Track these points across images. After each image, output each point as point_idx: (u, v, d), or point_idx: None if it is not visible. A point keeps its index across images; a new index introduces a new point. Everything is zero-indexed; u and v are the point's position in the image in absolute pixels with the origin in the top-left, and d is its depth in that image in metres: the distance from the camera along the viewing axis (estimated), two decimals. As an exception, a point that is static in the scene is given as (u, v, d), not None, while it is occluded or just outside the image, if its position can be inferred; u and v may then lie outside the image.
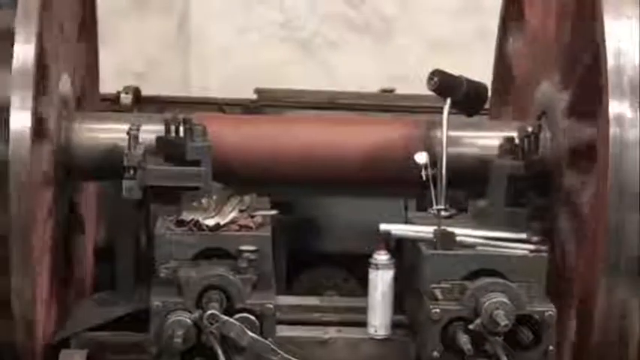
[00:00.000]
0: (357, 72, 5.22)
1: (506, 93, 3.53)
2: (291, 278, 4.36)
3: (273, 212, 2.93)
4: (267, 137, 3.26)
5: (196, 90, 4.96)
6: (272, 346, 2.61)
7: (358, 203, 4.11)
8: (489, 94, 3.34)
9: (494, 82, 3.59)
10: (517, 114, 3.35)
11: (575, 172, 2.87)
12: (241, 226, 2.78)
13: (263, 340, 2.62)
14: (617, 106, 2.55)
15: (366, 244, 2.88)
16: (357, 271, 3.67)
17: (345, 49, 5.38)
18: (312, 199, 4.41)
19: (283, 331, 2.78)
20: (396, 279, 2.82)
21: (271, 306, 2.67)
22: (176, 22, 5.17)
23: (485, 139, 3.16)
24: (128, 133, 2.88)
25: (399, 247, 2.89)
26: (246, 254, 2.67)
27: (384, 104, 4.69)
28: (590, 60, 2.72)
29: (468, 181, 3.02)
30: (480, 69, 3.50)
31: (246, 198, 2.95)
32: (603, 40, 2.58)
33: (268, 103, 4.51)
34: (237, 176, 3.12)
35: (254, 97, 4.52)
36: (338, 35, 5.41)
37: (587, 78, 2.77)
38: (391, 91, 5.00)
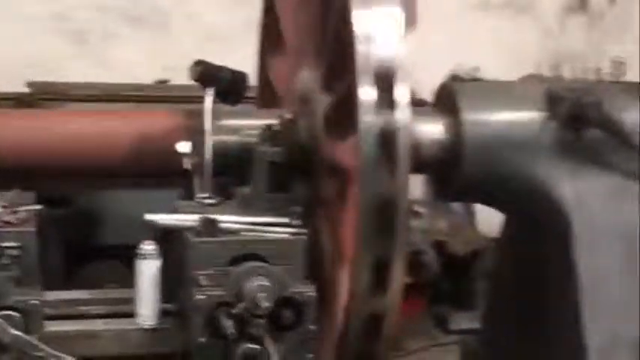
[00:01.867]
0: (133, 63, 5.21)
1: (271, 81, 3.61)
2: (72, 272, 4.31)
3: (39, 207, 2.89)
4: (33, 131, 3.22)
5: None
6: (35, 342, 2.59)
7: (136, 194, 4.11)
8: (254, 82, 3.42)
9: (259, 69, 3.66)
10: (281, 102, 3.43)
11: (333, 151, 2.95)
12: (4, 223, 2.74)
13: (25, 336, 2.59)
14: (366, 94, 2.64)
15: (143, 236, 2.90)
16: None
17: (121, 40, 5.36)
18: (91, 192, 4.39)
19: (51, 326, 2.74)
20: (165, 268, 2.86)
21: (36, 302, 2.64)
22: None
23: (248, 127, 3.22)
24: None
25: (167, 237, 2.93)
26: (9, 251, 2.64)
27: (159, 95, 4.71)
28: (342, 48, 2.81)
29: (232, 169, 3.07)
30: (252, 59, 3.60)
31: (9, 194, 2.90)
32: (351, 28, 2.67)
33: (43, 97, 4.44)
34: (3, 171, 3.06)
35: (27, 90, 4.44)
36: (114, 27, 5.38)
37: (340, 66, 2.86)
38: (166, 82, 5.02)
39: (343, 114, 2.78)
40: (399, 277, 2.66)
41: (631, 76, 3.36)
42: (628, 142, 2.85)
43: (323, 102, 3.00)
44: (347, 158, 2.78)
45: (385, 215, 2.63)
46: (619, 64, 3.12)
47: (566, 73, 3.52)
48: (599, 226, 2.89)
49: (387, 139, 2.62)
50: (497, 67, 3.97)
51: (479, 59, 5.37)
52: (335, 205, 2.89)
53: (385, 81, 2.65)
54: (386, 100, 2.64)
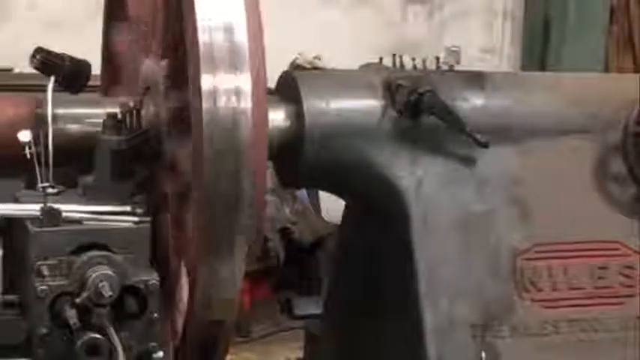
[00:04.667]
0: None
1: (116, 70, 3.58)
2: None
3: None
4: None
5: None
6: None
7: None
8: (99, 71, 3.40)
9: (103, 59, 3.63)
10: (127, 91, 3.41)
11: (176, 140, 2.96)
12: None
13: None
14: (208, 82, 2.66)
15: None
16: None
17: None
18: None
19: None
20: (7, 259, 2.81)
21: None
22: None
23: (91, 115, 3.19)
24: None
25: (9, 227, 2.88)
26: None
27: (3, 84, 4.61)
28: (183, 33, 2.82)
29: (75, 158, 3.04)
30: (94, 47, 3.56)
31: None
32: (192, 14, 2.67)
33: None
34: None
35: None
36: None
37: (182, 50, 2.86)
38: (10, 70, 4.92)
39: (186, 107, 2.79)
40: (240, 270, 2.70)
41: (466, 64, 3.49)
42: (461, 129, 2.95)
43: (167, 90, 3.00)
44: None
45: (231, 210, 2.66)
46: (454, 53, 3.23)
47: (407, 61, 3.62)
48: (436, 211, 2.99)
49: (232, 126, 2.65)
50: (341, 57, 4.07)
51: (323, 49, 5.47)
52: (178, 200, 2.90)
53: (228, 69, 2.68)
54: (229, 89, 2.67)
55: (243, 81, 2.67)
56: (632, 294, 3.07)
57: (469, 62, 3.89)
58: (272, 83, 3.21)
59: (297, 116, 3.00)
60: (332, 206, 3.85)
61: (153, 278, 2.71)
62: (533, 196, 3.06)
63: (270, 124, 2.99)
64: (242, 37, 2.68)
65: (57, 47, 3.17)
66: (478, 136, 2.96)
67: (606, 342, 3.02)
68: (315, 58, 4.71)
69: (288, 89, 3.08)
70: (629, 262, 3.08)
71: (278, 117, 3.03)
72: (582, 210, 3.10)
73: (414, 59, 3.54)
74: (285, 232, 5.32)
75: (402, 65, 3.50)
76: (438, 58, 3.40)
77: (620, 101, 3.12)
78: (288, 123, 3.02)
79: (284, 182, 3.29)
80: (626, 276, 3.07)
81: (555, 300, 3.00)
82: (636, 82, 3.21)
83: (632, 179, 3.08)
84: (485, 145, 2.97)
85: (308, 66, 3.42)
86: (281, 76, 3.16)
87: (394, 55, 3.59)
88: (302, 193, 5.44)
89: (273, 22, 5.58)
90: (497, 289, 2.97)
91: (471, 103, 3.08)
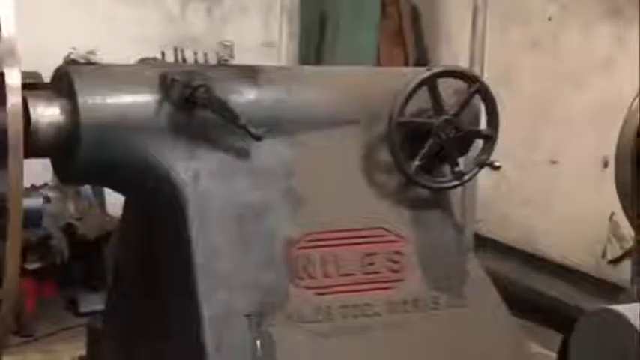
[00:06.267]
0: None
1: None
2: None
3: None
4: None
5: None
6: None
7: None
8: None
9: None
10: None
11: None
12: None
13: None
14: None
15: None
16: None
17: None
18: None
19: None
20: None
21: None
22: None
23: None
24: None
25: None
26: None
27: None
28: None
29: None
30: None
31: None
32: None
33: None
34: None
35: None
36: None
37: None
38: None
39: None
40: (14, 264, 2.66)
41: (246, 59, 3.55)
42: (235, 122, 3.01)
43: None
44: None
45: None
46: (227, 48, 3.29)
47: (189, 56, 3.64)
48: (213, 204, 3.03)
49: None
50: (121, 52, 4.05)
51: (103, 43, 5.42)
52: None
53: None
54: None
55: (12, 76, 2.65)
56: (399, 278, 3.20)
57: (249, 57, 3.96)
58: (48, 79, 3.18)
59: (72, 112, 2.97)
60: (117, 201, 3.83)
61: None
62: (305, 187, 3.14)
63: (44, 120, 2.97)
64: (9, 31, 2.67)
65: None
66: (252, 130, 3.01)
67: (377, 326, 3.12)
68: (90, 52, 4.67)
69: (62, 84, 3.05)
70: (396, 247, 3.20)
71: (52, 112, 3.00)
72: (351, 199, 3.20)
73: (195, 54, 3.57)
74: (69, 229, 5.25)
75: (183, 60, 3.53)
76: (218, 53, 3.45)
77: (387, 93, 3.23)
78: (62, 118, 2.99)
79: (61, 178, 3.26)
80: (394, 261, 3.20)
81: (327, 287, 3.09)
82: (402, 75, 3.34)
83: (396, 168, 3.21)
84: (258, 138, 3.03)
85: (82, 61, 3.39)
86: (55, 72, 3.13)
87: (176, 49, 3.61)
88: (86, 188, 5.39)
89: (50, 16, 5.52)
90: (272, 278, 3.03)
91: (245, 96, 3.14)
